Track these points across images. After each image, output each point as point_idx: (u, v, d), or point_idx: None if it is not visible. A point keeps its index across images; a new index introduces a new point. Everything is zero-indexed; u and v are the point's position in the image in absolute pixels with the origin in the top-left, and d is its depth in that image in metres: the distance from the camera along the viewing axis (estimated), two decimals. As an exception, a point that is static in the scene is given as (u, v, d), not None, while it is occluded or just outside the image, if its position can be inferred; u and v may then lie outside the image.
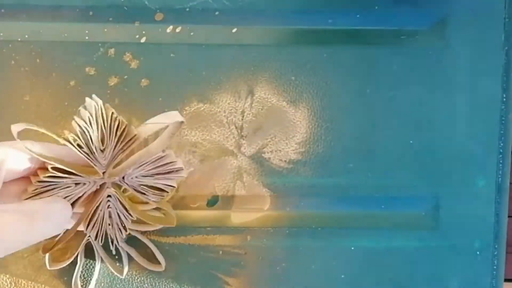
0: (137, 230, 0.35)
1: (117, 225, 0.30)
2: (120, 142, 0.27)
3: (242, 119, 0.36)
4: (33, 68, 0.35)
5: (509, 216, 0.38)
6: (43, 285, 0.36)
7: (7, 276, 0.36)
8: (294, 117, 0.36)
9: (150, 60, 0.35)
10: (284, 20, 0.35)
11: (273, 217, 0.36)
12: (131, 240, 0.35)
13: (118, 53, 0.35)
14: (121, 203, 0.30)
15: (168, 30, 0.35)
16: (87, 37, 0.35)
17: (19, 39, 0.35)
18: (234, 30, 0.35)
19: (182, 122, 0.29)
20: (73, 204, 0.27)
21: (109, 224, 0.30)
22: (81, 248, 0.34)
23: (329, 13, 0.35)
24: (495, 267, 0.38)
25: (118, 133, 0.27)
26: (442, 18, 0.36)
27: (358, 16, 0.36)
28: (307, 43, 0.36)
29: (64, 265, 0.34)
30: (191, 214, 0.36)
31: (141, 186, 0.30)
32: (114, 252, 0.35)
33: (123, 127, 0.27)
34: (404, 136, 0.37)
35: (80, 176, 0.27)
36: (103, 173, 0.28)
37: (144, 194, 0.30)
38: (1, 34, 0.34)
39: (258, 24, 0.35)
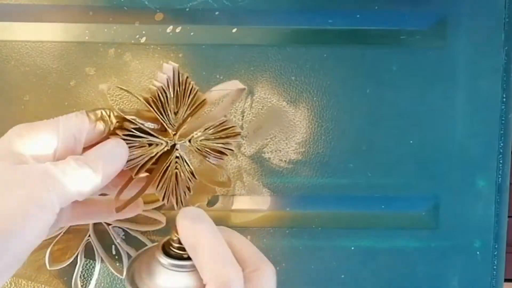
0: (137, 230, 0.35)
1: (182, 187, 0.31)
2: (190, 105, 0.29)
3: (242, 119, 0.36)
4: (33, 68, 0.35)
5: (509, 216, 0.38)
6: (43, 285, 0.36)
7: (7, 276, 0.36)
8: (294, 117, 0.36)
9: (150, 60, 0.35)
10: (284, 20, 0.35)
11: (273, 217, 0.36)
12: (131, 240, 0.35)
13: (118, 53, 0.35)
14: (188, 164, 0.30)
15: (168, 30, 0.35)
16: (87, 37, 0.35)
17: (19, 39, 0.34)
18: (234, 30, 0.35)
19: (243, 89, 0.31)
20: (144, 165, 0.28)
21: (175, 186, 0.31)
22: (81, 248, 0.34)
23: (329, 13, 0.35)
24: (495, 267, 0.38)
25: (190, 97, 0.28)
26: (442, 18, 0.36)
27: (358, 16, 0.36)
28: (307, 43, 0.36)
29: (64, 265, 0.34)
30: (191, 214, 0.36)
31: (205, 149, 0.31)
32: (114, 252, 0.35)
33: (195, 92, 0.29)
34: (404, 136, 0.36)
35: (155, 136, 0.28)
36: (174, 134, 0.29)
37: (206, 156, 0.31)
38: (1, 34, 0.34)
39: (258, 24, 0.35)
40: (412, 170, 0.37)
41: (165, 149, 0.29)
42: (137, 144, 0.27)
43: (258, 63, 0.36)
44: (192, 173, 0.31)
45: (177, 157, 0.30)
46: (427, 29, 0.36)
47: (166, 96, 0.27)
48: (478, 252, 0.37)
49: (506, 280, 0.40)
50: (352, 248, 0.37)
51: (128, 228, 0.35)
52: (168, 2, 0.35)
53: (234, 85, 0.31)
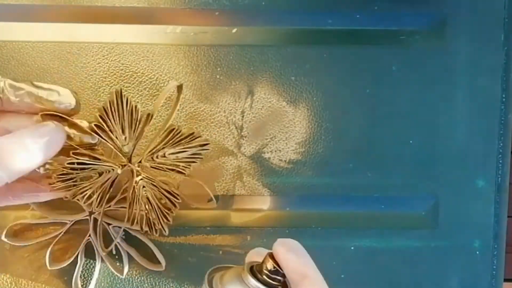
0: (137, 230, 0.35)
1: (158, 211, 0.30)
2: (136, 125, 0.28)
3: (242, 119, 0.36)
4: (33, 68, 0.35)
5: (508, 216, 0.38)
6: (43, 285, 0.36)
7: (7, 276, 0.36)
8: (294, 117, 0.36)
9: (151, 60, 0.35)
10: (284, 20, 0.35)
11: (273, 217, 0.37)
12: (131, 240, 0.35)
13: (118, 53, 0.35)
14: (156, 186, 0.30)
15: (168, 30, 0.35)
16: (87, 37, 0.35)
17: (20, 40, 0.35)
18: (234, 31, 0.35)
19: (179, 85, 0.30)
20: (103, 197, 0.29)
21: (148, 211, 0.30)
22: (81, 248, 0.34)
23: (329, 14, 0.35)
24: (494, 266, 0.38)
25: (134, 116, 0.28)
26: (441, 18, 0.36)
27: (358, 16, 0.36)
28: (307, 43, 0.36)
29: (65, 265, 0.34)
30: (191, 214, 0.36)
31: (172, 164, 0.30)
32: (114, 252, 0.35)
33: (137, 110, 0.28)
34: (404, 136, 0.37)
35: (101, 163, 0.28)
36: (128, 158, 0.29)
37: (173, 170, 0.30)
38: (2, 34, 0.34)
39: (258, 25, 0.35)
40: (411, 170, 0.37)
41: (120, 174, 0.29)
42: (84, 174, 0.27)
43: (258, 63, 0.36)
44: (170, 192, 0.30)
45: (140, 179, 0.29)
46: (426, 29, 0.36)
47: (110, 121, 0.27)
48: (477, 252, 0.37)
49: (506, 280, 0.40)
50: (352, 248, 0.37)
51: (128, 228, 0.35)
52: (169, 2, 0.35)
53: (170, 85, 0.30)
